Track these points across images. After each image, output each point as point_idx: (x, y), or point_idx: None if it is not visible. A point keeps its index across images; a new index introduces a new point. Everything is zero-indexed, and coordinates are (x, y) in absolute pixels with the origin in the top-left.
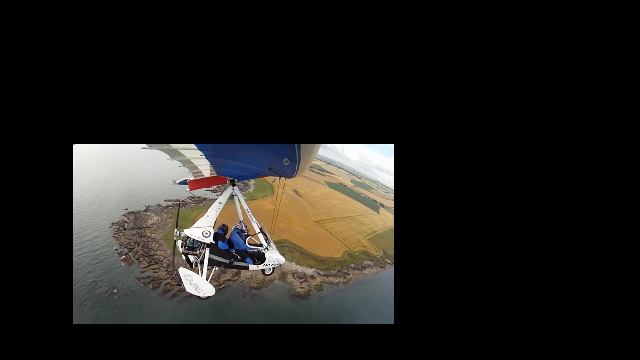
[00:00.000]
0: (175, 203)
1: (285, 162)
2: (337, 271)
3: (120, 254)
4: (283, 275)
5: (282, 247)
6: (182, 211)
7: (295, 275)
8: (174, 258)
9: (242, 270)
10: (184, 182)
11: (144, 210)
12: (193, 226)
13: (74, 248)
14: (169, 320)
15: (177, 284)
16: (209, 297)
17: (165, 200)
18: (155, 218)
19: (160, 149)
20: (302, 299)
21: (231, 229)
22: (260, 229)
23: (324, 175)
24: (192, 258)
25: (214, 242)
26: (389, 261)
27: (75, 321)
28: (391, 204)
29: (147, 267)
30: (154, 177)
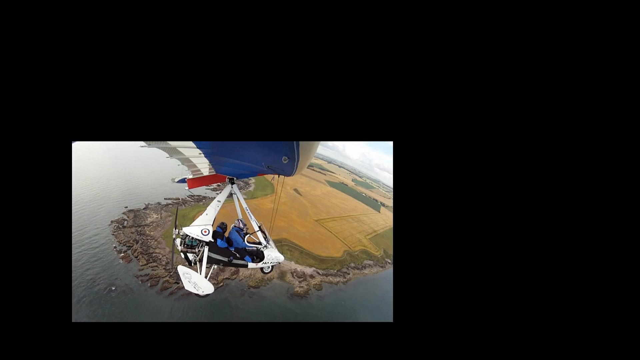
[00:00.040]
0: (175, 201)
1: (284, 160)
2: (337, 270)
3: (119, 251)
4: (282, 275)
5: (281, 246)
6: (182, 209)
7: (295, 274)
8: (173, 256)
9: (240, 269)
10: (182, 181)
11: (144, 208)
12: (192, 224)
13: (74, 245)
14: (166, 318)
15: (175, 282)
16: (207, 295)
17: (165, 199)
18: (155, 216)
19: (158, 147)
20: (300, 298)
21: (230, 227)
22: (259, 227)
23: (324, 174)
24: (191, 256)
25: (212, 240)
26: (390, 261)
27: (74, 318)
28: (392, 203)
29: (145, 264)
30: (154, 176)
